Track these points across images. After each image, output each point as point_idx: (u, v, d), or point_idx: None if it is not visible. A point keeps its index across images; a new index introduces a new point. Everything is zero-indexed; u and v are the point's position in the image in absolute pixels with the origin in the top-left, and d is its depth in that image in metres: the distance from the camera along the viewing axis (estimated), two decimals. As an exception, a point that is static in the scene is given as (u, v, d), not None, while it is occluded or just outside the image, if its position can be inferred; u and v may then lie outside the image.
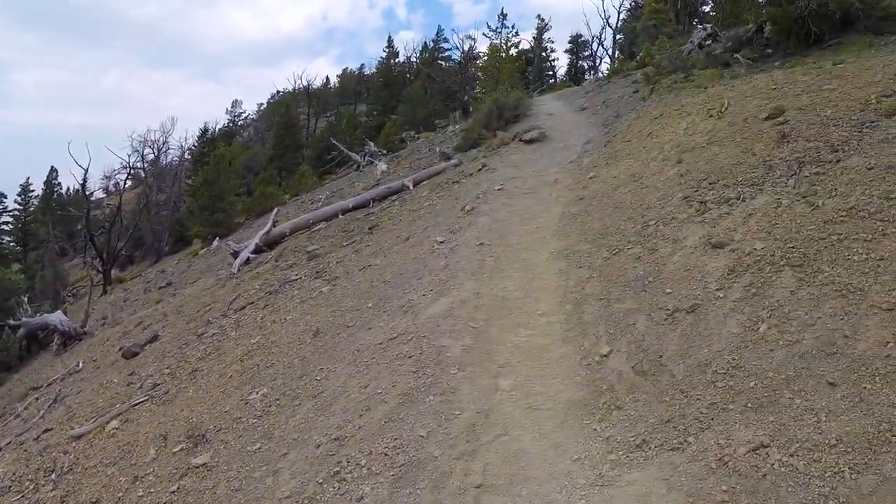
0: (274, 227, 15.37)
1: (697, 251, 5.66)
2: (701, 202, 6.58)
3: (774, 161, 6.66)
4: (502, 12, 26.55)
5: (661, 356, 4.54)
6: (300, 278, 10.56)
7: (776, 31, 11.33)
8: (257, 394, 6.22)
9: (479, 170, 11.79)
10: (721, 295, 4.88)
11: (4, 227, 46.37)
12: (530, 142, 12.38)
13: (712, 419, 3.81)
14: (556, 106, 18.22)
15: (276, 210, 15.65)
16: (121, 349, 10.95)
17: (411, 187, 13.68)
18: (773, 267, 4.88)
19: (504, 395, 4.59)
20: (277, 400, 5.85)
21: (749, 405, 3.76)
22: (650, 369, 4.49)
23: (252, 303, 10.49)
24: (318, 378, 5.87)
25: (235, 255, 14.82)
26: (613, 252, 6.45)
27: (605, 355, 4.84)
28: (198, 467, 5.32)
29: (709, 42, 16.52)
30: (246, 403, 6.12)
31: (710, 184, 6.91)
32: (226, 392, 6.71)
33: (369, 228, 11.69)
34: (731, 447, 3.50)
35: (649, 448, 3.82)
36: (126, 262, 32.76)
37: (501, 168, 11.08)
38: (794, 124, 7.34)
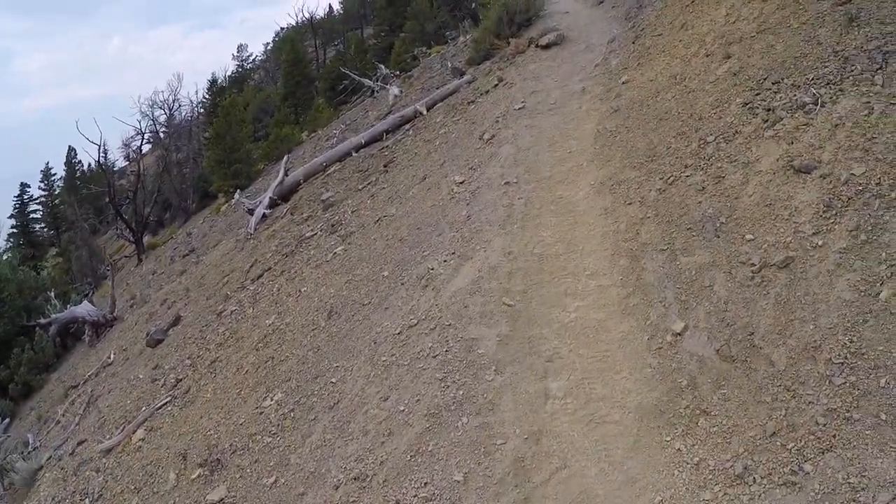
0: (287, 175, 14.24)
1: (777, 178, 4.32)
2: (768, 109, 5.14)
3: (849, 51, 5.12)
4: None
5: (753, 334, 3.36)
6: (316, 234, 9.67)
7: None
8: (272, 399, 5.34)
9: (496, 85, 10.28)
10: (819, 242, 3.61)
11: (34, 215, 45.96)
12: (548, 46, 10.70)
13: (834, 436, 2.70)
14: (569, 2, 16.16)
15: (286, 158, 14.44)
16: (147, 334, 10.31)
17: (424, 112, 12.26)
18: (883, 201, 3.56)
19: (557, 404, 3.50)
20: (292, 411, 4.94)
21: (883, 416, 2.63)
22: (740, 353, 3.32)
23: (269, 269, 9.71)
24: (332, 381, 4.89)
25: (251, 212, 13.96)
26: (668, 181, 5.14)
27: (679, 333, 3.66)
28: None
29: None
30: (261, 413, 5.25)
31: (773, 84, 5.42)
32: (241, 395, 5.87)
33: (384, 166, 10.49)
34: (868, 489, 2.40)
35: (753, 480, 2.74)
36: (157, 226, 32.16)
37: (519, 81, 9.54)
38: (860, 2, 5.74)
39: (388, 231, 7.52)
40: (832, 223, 3.67)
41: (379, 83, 22.20)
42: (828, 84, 4.91)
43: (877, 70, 4.75)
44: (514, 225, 5.58)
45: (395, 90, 17.37)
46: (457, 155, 8.09)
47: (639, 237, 4.81)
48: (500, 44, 12.97)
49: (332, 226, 9.52)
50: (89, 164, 49.29)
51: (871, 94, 4.53)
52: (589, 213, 5.42)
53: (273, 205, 13.39)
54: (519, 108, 8.13)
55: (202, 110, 38.46)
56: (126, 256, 27.76)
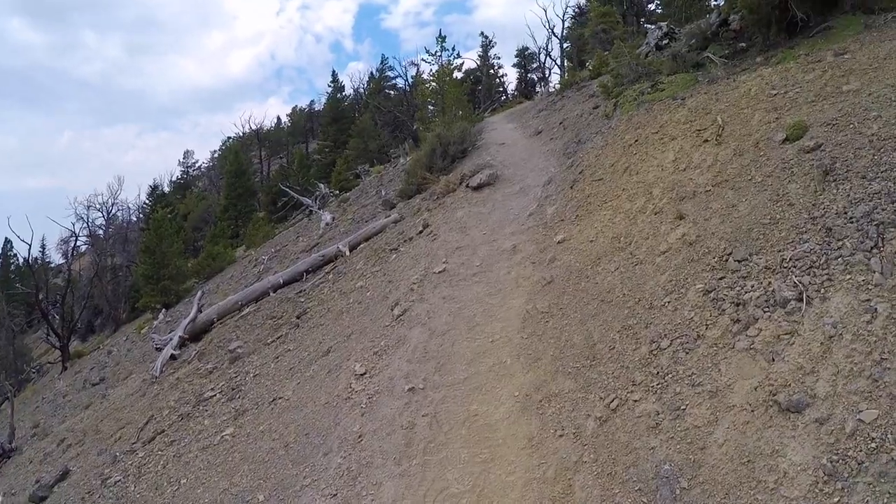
0: (200, 312, 12.60)
1: (757, 418, 3.06)
2: (737, 304, 3.93)
3: (830, 218, 4.08)
4: (440, 35, 23.88)
5: None
6: (215, 395, 8.36)
7: (752, 21, 8.78)
8: None
9: (420, 232, 9.10)
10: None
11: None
12: (479, 188, 9.70)
13: None
14: (507, 130, 15.61)
15: (199, 294, 12.85)
16: (36, 482, 8.82)
17: (347, 253, 11.06)
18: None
19: None
20: None
21: None
22: None
23: (163, 431, 8.39)
24: None
25: (160, 349, 12.43)
26: (611, 405, 3.77)
27: None
28: None
29: (666, 41, 14.05)
30: None
31: (739, 262, 4.29)
32: None
33: (297, 317, 9.18)
34: None
35: None
36: (87, 332, 29.36)
37: (444, 231, 8.36)
38: (831, 150, 4.83)
39: (279, 423, 5.95)
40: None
41: (318, 202, 21.95)
42: (811, 269, 3.77)
43: (871, 250, 3.62)
44: (412, 460, 4.05)
45: (327, 217, 16.34)
46: (365, 327, 6.64)
47: (572, 495, 3.32)
48: (432, 178, 12.00)
49: (233, 389, 8.25)
50: (25, 258, 45.97)
51: (869, 287, 3.37)
52: (509, 444, 3.95)
53: (183, 344, 11.92)
54: (439, 272, 6.83)
55: (141, 216, 36.65)
56: (50, 362, 24.97)
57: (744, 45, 9.70)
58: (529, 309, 5.34)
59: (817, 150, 5.08)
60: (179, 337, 12.16)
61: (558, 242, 6.41)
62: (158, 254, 22.55)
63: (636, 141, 7.78)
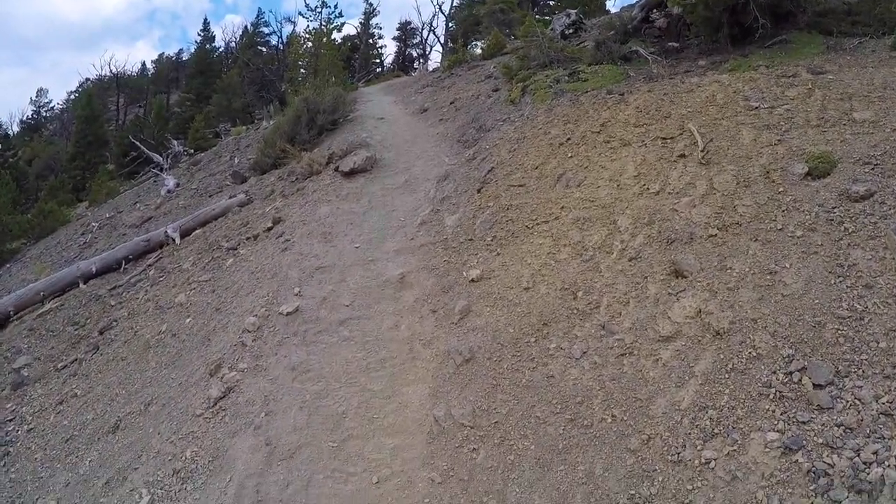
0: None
1: None
2: (846, 485, 1.93)
3: None
4: None
5: None
6: None
7: (700, 21, 7.07)
8: None
9: (269, 229, 6.38)
10: None
11: None
12: (352, 174, 7.13)
13: None
14: (386, 104, 13.02)
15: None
16: None
17: (177, 241, 8.00)
18: None
19: None
20: None
21: None
22: None
23: None
24: None
25: None
26: None
27: None
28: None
29: (572, 31, 12.26)
30: None
31: (823, 391, 2.31)
32: None
33: (100, 332, 6.29)
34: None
35: None
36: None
37: (302, 235, 5.67)
38: (892, 202, 3.10)
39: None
40: None
41: (168, 160, 18.88)
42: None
43: None
44: None
45: (170, 182, 12.88)
46: (170, 397, 3.95)
47: None
48: (293, 152, 9.16)
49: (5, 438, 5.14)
50: None
51: None
52: None
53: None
54: (289, 313, 4.22)
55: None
56: None
57: (675, 44, 8.05)
58: (439, 416, 3.00)
59: (869, 198, 3.34)
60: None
61: (472, 281, 4.14)
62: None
63: (568, 139, 5.75)
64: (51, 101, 48.44)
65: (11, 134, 36.18)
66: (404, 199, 6.25)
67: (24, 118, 43.70)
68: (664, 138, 5.02)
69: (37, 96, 47.73)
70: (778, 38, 6.66)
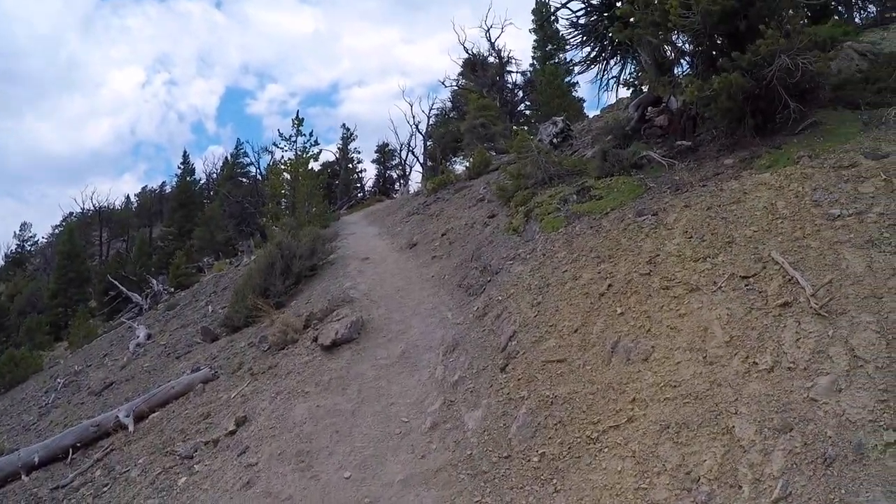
0: None
1: None
2: None
3: None
4: (297, 117, 19.16)
5: None
6: None
7: (720, 114, 5.95)
8: None
9: (231, 433, 4.84)
10: None
11: None
12: (335, 346, 5.69)
13: None
14: (370, 237, 11.87)
15: None
16: None
17: (130, 428, 6.36)
18: None
19: None
20: None
21: None
22: None
23: None
24: None
25: None
26: None
27: None
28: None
29: (561, 139, 11.38)
30: None
31: None
32: None
33: None
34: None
35: None
36: None
37: (267, 457, 4.11)
38: None
39: None
40: None
41: (148, 301, 18.32)
42: None
43: None
44: None
45: (141, 334, 11.49)
46: None
47: None
48: (266, 309, 7.75)
49: None
50: None
51: None
52: None
53: None
54: None
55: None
56: None
57: (685, 143, 6.96)
58: None
59: None
60: None
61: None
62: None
63: (609, 287, 4.39)
64: (35, 235, 47.95)
65: (-4, 269, 35.44)
66: (404, 382, 4.76)
67: (8, 252, 42.80)
68: (744, 276, 3.66)
69: (20, 230, 46.95)
70: (807, 120, 5.55)
